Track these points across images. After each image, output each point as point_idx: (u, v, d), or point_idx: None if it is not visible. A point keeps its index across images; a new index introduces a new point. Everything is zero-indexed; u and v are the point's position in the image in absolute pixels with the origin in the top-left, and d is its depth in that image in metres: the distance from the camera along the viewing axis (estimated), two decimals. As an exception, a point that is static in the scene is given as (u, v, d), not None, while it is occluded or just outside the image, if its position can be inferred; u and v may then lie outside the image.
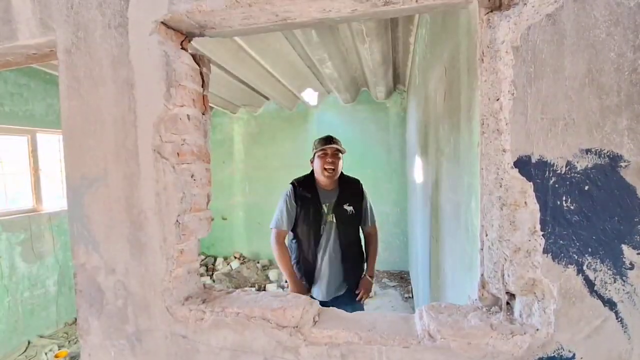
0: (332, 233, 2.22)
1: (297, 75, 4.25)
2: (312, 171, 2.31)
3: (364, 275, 2.34)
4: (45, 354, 3.52)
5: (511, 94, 0.74)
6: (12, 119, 3.76)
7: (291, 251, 2.32)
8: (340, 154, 2.22)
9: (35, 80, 3.95)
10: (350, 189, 2.30)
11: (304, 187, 2.24)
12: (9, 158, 3.91)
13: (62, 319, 4.16)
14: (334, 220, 2.22)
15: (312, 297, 2.25)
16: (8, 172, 3.89)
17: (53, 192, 4.20)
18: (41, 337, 3.87)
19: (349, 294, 2.29)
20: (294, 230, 2.28)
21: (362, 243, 2.43)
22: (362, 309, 2.38)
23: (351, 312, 2.21)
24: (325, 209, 2.23)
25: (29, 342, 3.75)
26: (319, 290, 2.26)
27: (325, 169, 2.16)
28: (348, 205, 2.24)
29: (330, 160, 2.16)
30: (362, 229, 2.41)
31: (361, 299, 2.30)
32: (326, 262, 2.23)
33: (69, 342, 3.81)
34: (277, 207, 2.27)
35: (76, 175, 1.03)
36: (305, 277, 2.26)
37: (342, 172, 2.32)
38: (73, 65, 1.01)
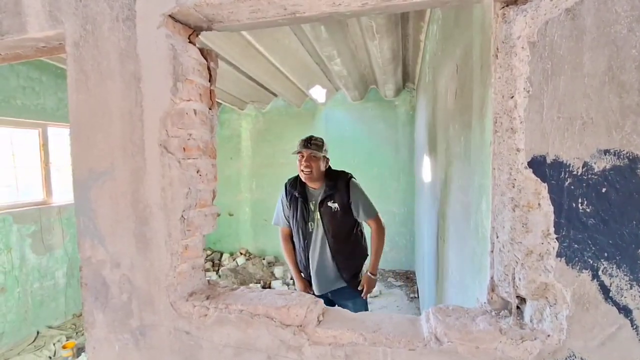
0: (320, 230, 2.30)
1: (306, 71, 4.23)
2: None
3: (366, 272, 2.38)
4: (54, 344, 3.58)
5: (527, 92, 0.72)
6: (24, 113, 3.81)
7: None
8: (318, 155, 2.24)
9: (47, 74, 4.00)
10: (334, 185, 2.30)
11: (294, 187, 2.36)
12: (21, 151, 3.96)
13: (71, 310, 4.22)
14: (320, 218, 2.30)
15: (313, 293, 2.36)
16: (19, 164, 3.94)
17: (63, 185, 4.25)
18: (50, 327, 3.94)
19: (349, 289, 2.33)
20: (291, 229, 2.41)
21: (366, 237, 2.46)
22: (365, 304, 2.46)
23: (352, 307, 2.19)
24: (312, 206, 2.32)
25: (37, 333, 3.82)
26: (315, 285, 2.35)
27: (302, 171, 2.25)
28: (332, 202, 2.27)
29: (305, 163, 2.22)
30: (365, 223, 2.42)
31: (364, 295, 2.37)
32: (317, 258, 2.32)
33: (77, 333, 3.87)
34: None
35: (83, 168, 1.03)
36: (304, 273, 2.40)
37: (330, 169, 2.38)
38: (81, 58, 1.00)
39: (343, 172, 2.41)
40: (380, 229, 2.36)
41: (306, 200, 2.32)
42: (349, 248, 2.34)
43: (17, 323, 3.68)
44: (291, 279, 5.24)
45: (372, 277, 2.35)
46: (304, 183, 2.35)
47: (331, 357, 0.85)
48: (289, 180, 2.45)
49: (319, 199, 2.29)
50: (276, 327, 0.90)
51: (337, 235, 2.29)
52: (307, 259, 2.34)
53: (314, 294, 2.35)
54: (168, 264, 0.97)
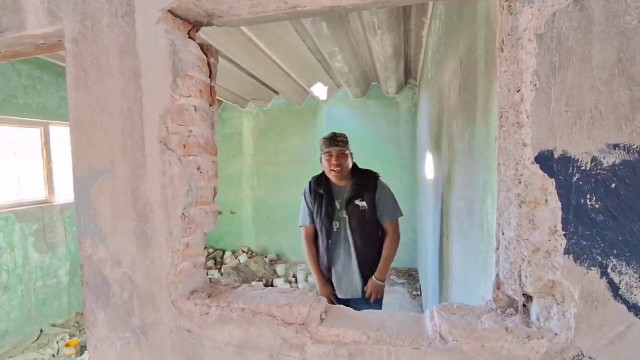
0: (345, 230, 2.20)
1: (307, 69, 4.21)
2: None
3: (371, 276, 2.24)
4: (57, 342, 3.59)
5: (533, 85, 0.70)
6: (26, 111, 3.81)
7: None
8: (346, 152, 2.20)
9: (48, 72, 3.99)
10: (362, 183, 2.22)
11: (318, 184, 2.27)
12: (23, 150, 3.96)
13: (74, 308, 4.24)
14: (346, 217, 2.18)
15: (336, 296, 2.27)
16: (22, 163, 3.95)
17: (65, 184, 4.25)
18: (53, 326, 3.95)
19: (366, 299, 2.23)
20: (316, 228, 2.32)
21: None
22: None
23: None
24: (337, 205, 2.22)
25: (41, 331, 3.83)
26: (336, 288, 2.27)
27: (332, 170, 2.17)
28: (360, 201, 2.18)
29: (335, 162, 2.15)
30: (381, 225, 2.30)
31: (371, 300, 2.23)
32: (341, 260, 2.23)
33: (80, 331, 3.88)
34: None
35: (83, 166, 1.02)
36: (327, 275, 2.29)
37: (356, 166, 2.30)
38: (80, 55, 0.99)
39: (370, 170, 2.33)
40: (395, 235, 2.29)
41: (332, 198, 2.23)
42: (374, 252, 2.23)
43: (20, 321, 3.69)
44: (294, 276, 5.24)
45: (379, 282, 2.21)
46: (329, 180, 2.27)
47: (334, 356, 0.84)
48: (313, 177, 2.36)
49: (346, 197, 2.20)
50: (278, 325, 0.89)
51: (363, 236, 2.19)
52: (330, 260, 2.24)
53: (336, 296, 2.26)
54: (169, 262, 0.97)
